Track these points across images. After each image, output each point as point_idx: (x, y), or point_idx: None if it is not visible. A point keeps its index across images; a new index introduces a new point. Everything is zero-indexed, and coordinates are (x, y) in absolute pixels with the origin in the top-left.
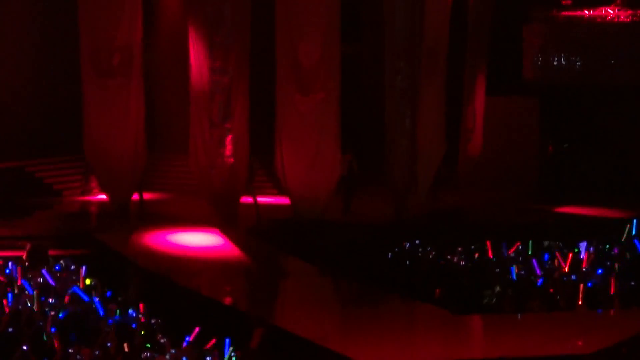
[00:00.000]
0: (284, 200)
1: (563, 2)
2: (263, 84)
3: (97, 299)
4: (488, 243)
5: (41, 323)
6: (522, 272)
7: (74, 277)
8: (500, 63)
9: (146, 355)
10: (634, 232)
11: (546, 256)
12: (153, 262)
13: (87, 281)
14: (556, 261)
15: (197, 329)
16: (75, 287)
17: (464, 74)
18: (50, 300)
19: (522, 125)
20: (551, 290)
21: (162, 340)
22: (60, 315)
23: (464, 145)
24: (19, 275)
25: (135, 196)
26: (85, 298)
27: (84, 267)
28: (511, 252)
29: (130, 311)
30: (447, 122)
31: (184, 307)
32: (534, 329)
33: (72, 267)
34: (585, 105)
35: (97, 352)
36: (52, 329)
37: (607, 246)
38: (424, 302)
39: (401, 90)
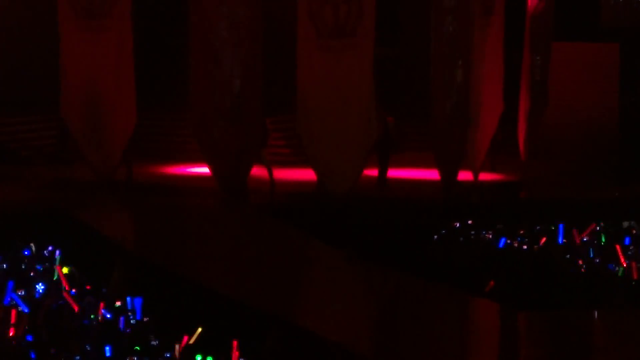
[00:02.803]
0: (306, 171)
1: None
2: (281, 27)
3: (74, 292)
4: (560, 226)
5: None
6: (597, 260)
7: (46, 264)
8: (573, 1)
9: None
10: None
11: (627, 240)
12: (144, 247)
13: (65, 269)
14: None
15: (198, 330)
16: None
17: (527, 14)
18: (20, 292)
19: (599, 77)
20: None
21: (153, 343)
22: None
23: (526, 102)
24: None
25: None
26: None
27: (58, 252)
28: (584, 236)
29: (115, 306)
30: (505, 75)
31: (181, 302)
32: (616, 328)
33: (45, 251)
34: None
35: (77, 358)
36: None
37: None
38: (478, 296)
39: (451, 35)
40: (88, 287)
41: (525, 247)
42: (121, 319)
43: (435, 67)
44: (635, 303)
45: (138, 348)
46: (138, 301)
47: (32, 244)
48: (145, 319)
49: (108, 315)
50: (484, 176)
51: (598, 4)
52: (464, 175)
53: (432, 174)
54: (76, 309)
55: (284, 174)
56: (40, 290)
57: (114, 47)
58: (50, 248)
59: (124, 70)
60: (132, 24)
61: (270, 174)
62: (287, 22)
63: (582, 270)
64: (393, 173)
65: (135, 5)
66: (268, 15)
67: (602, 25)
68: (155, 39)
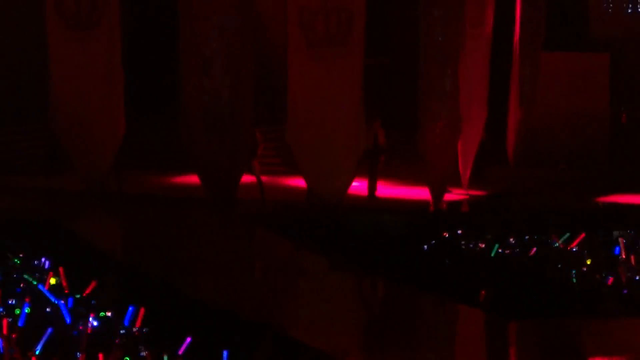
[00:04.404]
0: (296, 180)
1: None
2: (272, 37)
3: (62, 303)
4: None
5: None
6: (584, 270)
7: (36, 274)
8: (562, 12)
9: None
10: None
11: (617, 250)
12: (134, 256)
13: (52, 280)
14: (632, 257)
15: (188, 339)
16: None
17: (516, 24)
18: (10, 301)
19: (589, 87)
20: (625, 291)
21: (142, 354)
22: (19, 321)
23: (515, 112)
24: None
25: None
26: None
27: (47, 262)
28: (574, 245)
29: (106, 317)
30: (494, 84)
31: (171, 312)
32: (608, 337)
33: (35, 261)
34: None
35: None
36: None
37: None
38: (469, 306)
39: (440, 44)
40: (77, 297)
41: (515, 256)
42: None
43: (425, 77)
44: (626, 312)
45: (128, 358)
46: None
47: (21, 254)
48: (134, 329)
49: (95, 323)
50: (473, 186)
51: (587, 14)
52: (453, 185)
53: (422, 184)
54: (67, 320)
55: (274, 183)
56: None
57: (103, 57)
58: (43, 259)
59: (113, 79)
60: (121, 33)
61: (260, 183)
62: (277, 32)
63: (574, 279)
64: (383, 182)
65: (124, 14)
66: (258, 25)
67: (591, 36)
68: (145, 48)
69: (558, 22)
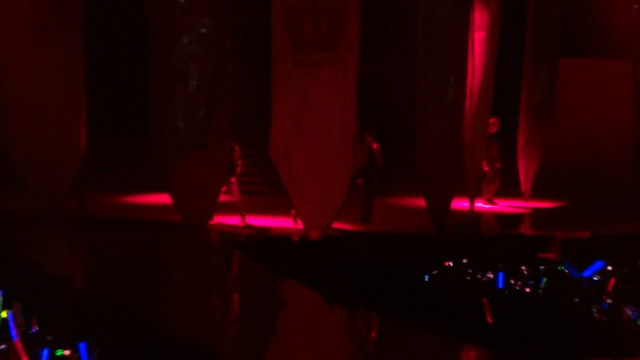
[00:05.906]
0: (281, 202)
1: None
2: (254, 41)
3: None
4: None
5: None
6: (605, 305)
7: None
8: (580, 14)
9: None
10: None
11: None
12: (95, 285)
13: (3, 314)
14: None
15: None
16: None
17: (527, 26)
18: None
19: (611, 96)
20: None
21: None
22: None
23: (526, 126)
24: None
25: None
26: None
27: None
28: (594, 276)
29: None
30: (500, 94)
31: (136, 349)
32: None
33: None
34: None
35: None
36: None
37: None
38: (475, 345)
39: (441, 50)
40: (33, 330)
41: (527, 289)
42: None
43: (423, 86)
44: None
45: None
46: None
47: None
48: None
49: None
50: (481, 209)
51: (609, 16)
52: (458, 205)
53: (422, 206)
54: (24, 358)
55: (255, 205)
56: None
57: (62, 62)
58: None
59: (72, 88)
60: (84, 37)
61: (240, 205)
62: (260, 36)
63: (596, 316)
64: (379, 204)
65: (88, 17)
66: (239, 28)
67: (613, 40)
68: (111, 55)
69: (576, 24)
